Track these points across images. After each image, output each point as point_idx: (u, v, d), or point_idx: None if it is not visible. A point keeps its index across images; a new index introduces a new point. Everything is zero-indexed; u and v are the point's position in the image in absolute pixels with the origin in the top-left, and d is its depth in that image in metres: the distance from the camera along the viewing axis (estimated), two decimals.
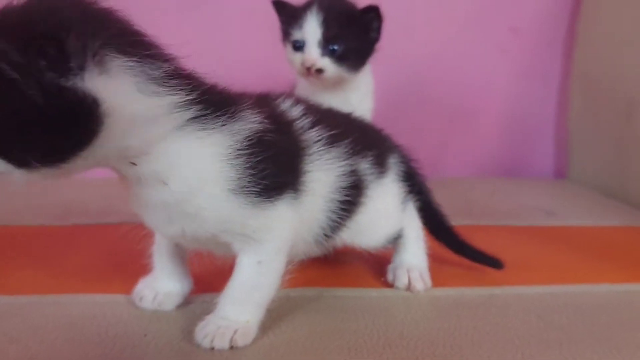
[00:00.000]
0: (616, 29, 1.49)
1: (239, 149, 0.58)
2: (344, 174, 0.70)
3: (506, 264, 0.88)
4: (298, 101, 0.71)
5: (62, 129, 0.49)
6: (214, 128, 0.58)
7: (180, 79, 0.56)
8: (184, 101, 0.56)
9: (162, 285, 0.74)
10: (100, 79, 0.49)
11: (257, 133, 0.60)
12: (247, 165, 0.59)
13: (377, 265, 0.88)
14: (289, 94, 0.74)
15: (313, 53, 1.08)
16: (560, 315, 0.76)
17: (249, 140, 0.59)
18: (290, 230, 0.65)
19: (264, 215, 0.61)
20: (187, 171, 0.58)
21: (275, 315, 0.73)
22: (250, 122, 0.61)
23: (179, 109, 0.56)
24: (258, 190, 0.59)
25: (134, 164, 0.56)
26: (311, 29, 1.08)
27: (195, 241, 0.66)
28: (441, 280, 0.85)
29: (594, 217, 1.27)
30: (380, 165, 0.79)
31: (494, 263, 0.87)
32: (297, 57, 1.10)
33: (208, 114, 0.58)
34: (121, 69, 0.51)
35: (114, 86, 0.50)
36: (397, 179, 0.83)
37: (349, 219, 0.75)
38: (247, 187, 0.59)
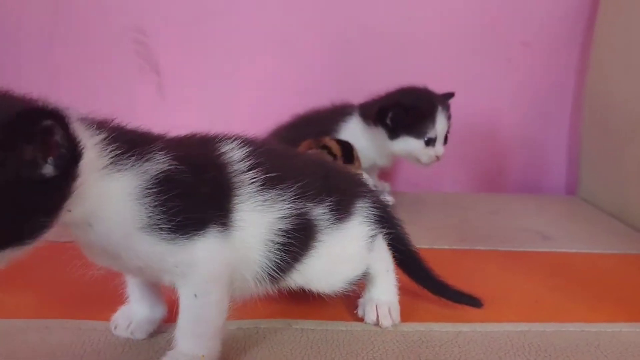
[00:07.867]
0: (630, 49, 1.45)
1: (146, 188, 0.61)
2: (284, 217, 0.72)
3: (485, 296, 0.89)
4: (247, 143, 0.73)
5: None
6: (125, 169, 0.61)
7: (94, 121, 0.61)
8: (104, 141, 0.60)
9: (135, 313, 0.78)
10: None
11: (163, 173, 0.62)
12: (155, 204, 0.61)
13: (352, 296, 0.89)
14: (238, 136, 0.74)
15: (442, 146, 1.35)
16: (522, 358, 0.76)
17: (156, 179, 0.62)
18: (220, 263, 0.67)
19: (182, 251, 0.63)
20: (105, 212, 0.61)
21: (242, 348, 0.76)
22: (157, 163, 0.63)
23: (101, 150, 0.60)
24: (169, 227, 0.62)
25: (69, 210, 0.58)
26: (441, 126, 1.34)
27: (136, 274, 0.71)
28: (412, 314, 0.86)
29: (590, 242, 1.25)
30: (342, 210, 0.80)
31: (473, 302, 0.88)
32: (430, 151, 1.34)
33: (121, 154, 0.61)
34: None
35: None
36: (365, 222, 0.83)
37: (297, 261, 0.76)
38: (158, 225, 0.61)
